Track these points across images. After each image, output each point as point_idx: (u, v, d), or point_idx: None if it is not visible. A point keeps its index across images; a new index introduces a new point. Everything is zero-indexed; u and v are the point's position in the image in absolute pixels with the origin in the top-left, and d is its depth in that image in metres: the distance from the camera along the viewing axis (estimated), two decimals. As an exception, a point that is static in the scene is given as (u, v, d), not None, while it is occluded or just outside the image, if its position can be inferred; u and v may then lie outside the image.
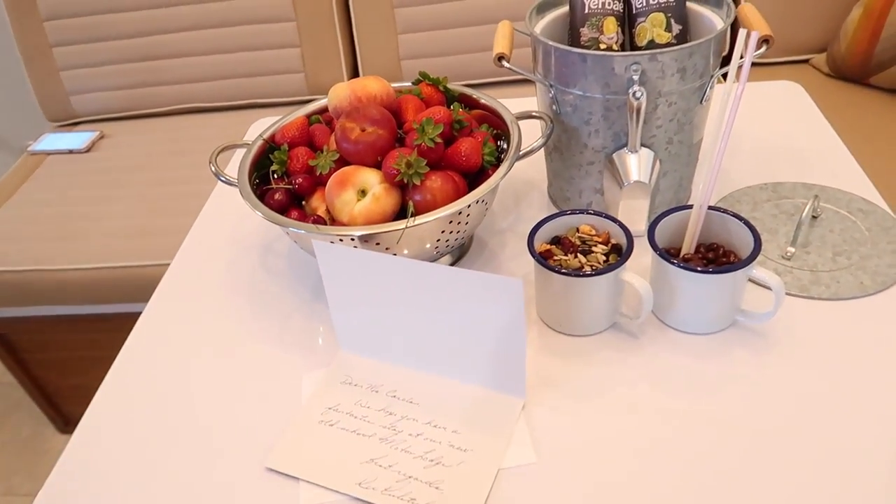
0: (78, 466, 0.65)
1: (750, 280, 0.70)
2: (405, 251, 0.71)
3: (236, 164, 0.94)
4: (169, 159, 1.68)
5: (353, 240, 0.68)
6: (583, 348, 0.69)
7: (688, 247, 0.70)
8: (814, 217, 0.79)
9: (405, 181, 0.70)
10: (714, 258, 0.69)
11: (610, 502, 0.57)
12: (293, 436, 0.65)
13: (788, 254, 0.75)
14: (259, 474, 0.62)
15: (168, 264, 0.87)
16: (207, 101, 1.81)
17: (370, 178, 0.72)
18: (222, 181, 0.79)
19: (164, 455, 0.65)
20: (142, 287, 1.37)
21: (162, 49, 1.75)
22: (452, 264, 0.81)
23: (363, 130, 0.73)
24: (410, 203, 0.69)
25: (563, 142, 0.79)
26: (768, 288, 0.72)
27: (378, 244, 0.69)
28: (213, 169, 0.79)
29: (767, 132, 0.95)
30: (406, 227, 0.66)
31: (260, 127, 1.13)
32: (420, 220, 0.67)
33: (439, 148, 0.73)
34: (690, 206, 0.69)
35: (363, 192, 0.72)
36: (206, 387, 0.71)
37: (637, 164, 0.74)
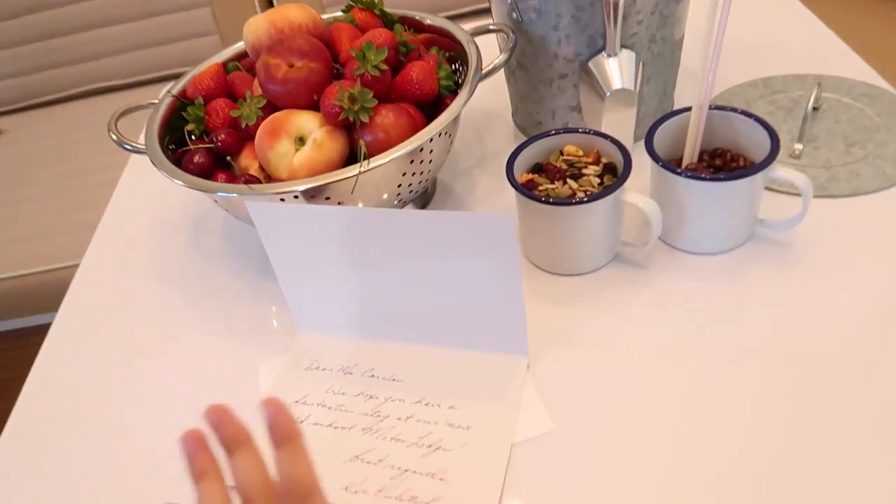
0: (-6, 519, 0.53)
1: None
2: (359, 204, 0.59)
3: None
4: (78, 149, 1.50)
5: (296, 197, 0.56)
6: (583, 289, 0.59)
7: (690, 155, 0.60)
8: (814, 109, 0.70)
9: (351, 120, 0.58)
10: (722, 164, 0.59)
11: (644, 461, 0.47)
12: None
13: (797, 151, 0.66)
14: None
15: (76, 265, 0.74)
16: (113, 79, 1.62)
17: (307, 121, 0.59)
18: (127, 149, 0.65)
19: (99, 488, 0.53)
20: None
21: (54, 26, 1.55)
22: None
23: (291, 66, 0.60)
24: (362, 143, 0.57)
25: (527, 56, 0.68)
26: (789, 191, 0.63)
27: (328, 199, 0.57)
28: (113, 137, 0.65)
29: (749, 26, 0.85)
30: (360, 173, 0.54)
31: (172, 91, 0.98)
32: (375, 162, 0.55)
33: (386, 76, 0.61)
34: (688, 109, 0.59)
35: (301, 140, 0.59)
36: (143, 398, 0.59)
37: (619, 69, 0.63)
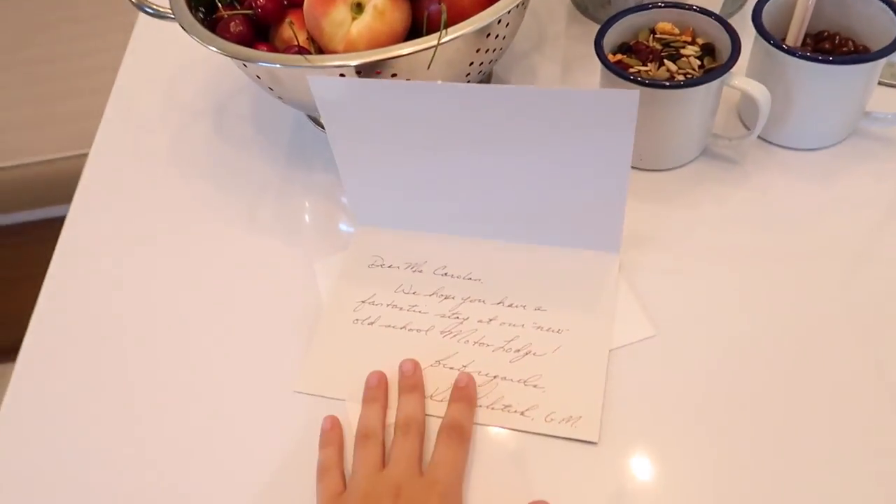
0: (28, 402, 0.48)
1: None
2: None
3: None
4: (54, 32, 1.36)
5: (359, 72, 0.49)
6: (673, 185, 0.54)
7: (795, 36, 0.53)
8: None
9: (419, -17, 0.50)
10: (831, 48, 0.53)
11: (748, 364, 0.44)
12: (323, 345, 0.48)
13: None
14: (284, 403, 0.46)
15: (84, 154, 0.65)
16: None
17: (366, -16, 0.51)
18: (148, 12, 0.56)
19: (142, 393, 0.48)
20: (52, 186, 1.12)
21: None
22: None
23: (345, -82, 0.51)
24: (442, 6, 0.49)
25: (606, -82, 0.59)
26: (890, 83, 0.57)
27: (394, 75, 0.50)
28: (134, 0, 0.56)
29: None
30: (439, 44, 0.47)
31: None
32: (453, 33, 0.48)
33: (455, -66, 0.52)
34: (797, -17, 0.52)
35: (359, 7, 0.51)
36: (187, 299, 0.53)
37: (714, -64, 0.56)
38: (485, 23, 0.48)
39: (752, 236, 0.50)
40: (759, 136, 0.55)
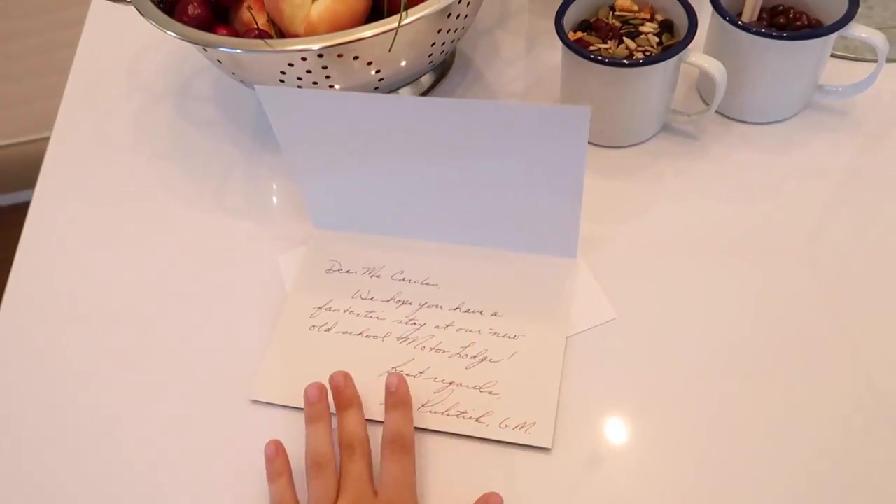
0: None
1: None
2: (380, 69, 0.52)
3: None
4: (2, 8, 1.32)
5: (320, 56, 0.49)
6: (633, 161, 0.55)
7: (750, 11, 0.54)
8: (864, -35, 0.65)
9: (379, -37, 0.50)
10: (786, 23, 0.54)
11: (709, 343, 0.46)
12: (279, 352, 0.48)
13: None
14: (240, 411, 0.46)
15: (44, 138, 0.64)
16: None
17: (325, -36, 0.51)
18: (105, -2, 0.55)
19: (98, 391, 0.48)
20: (10, 173, 1.10)
21: None
22: (435, 84, 0.63)
23: None
24: (401, -12, 0.49)
25: None
26: (843, 55, 0.59)
27: (356, 58, 0.50)
28: (85, -19, 0.55)
29: None
30: (400, 26, 0.47)
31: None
32: (414, 14, 0.48)
33: (414, -89, 0.52)
34: (753, -42, 0.53)
35: (319, -13, 0.51)
36: (147, 289, 0.53)
37: (672, -89, 0.56)
38: (446, 3, 0.48)
39: (713, 208, 0.52)
40: (717, 111, 0.57)
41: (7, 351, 0.51)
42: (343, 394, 0.44)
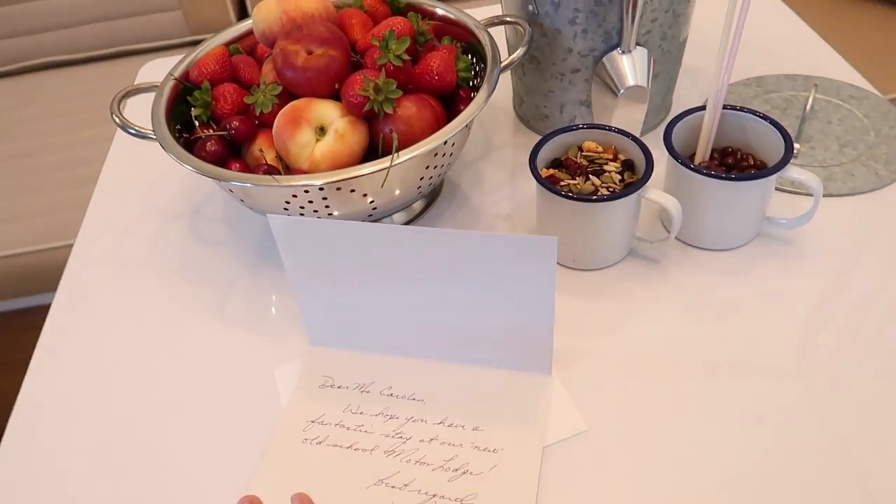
0: (5, 522, 0.50)
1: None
2: (374, 200, 0.58)
3: (139, 115, 0.75)
4: (30, 126, 1.42)
5: (321, 189, 0.55)
6: (602, 283, 0.60)
7: (702, 153, 0.62)
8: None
9: (375, 110, 0.57)
10: (734, 163, 0.61)
11: (673, 457, 0.49)
12: (273, 464, 0.51)
13: (795, 152, 0.69)
14: None
15: (62, 247, 0.70)
16: (64, 53, 1.54)
17: (328, 111, 0.58)
18: (132, 134, 0.62)
19: (102, 480, 0.51)
20: (30, 278, 1.15)
21: (-2, -6, 1.46)
22: (425, 209, 0.69)
23: (310, 53, 0.59)
24: (395, 135, 0.56)
25: (540, 49, 0.68)
26: (790, 190, 0.66)
27: (353, 191, 0.56)
28: (117, 121, 0.62)
29: (730, 26, 0.88)
30: (392, 166, 0.54)
31: (152, 72, 0.94)
32: (406, 155, 0.55)
33: (407, 67, 0.60)
34: (702, 108, 0.61)
35: (322, 130, 0.58)
36: (152, 396, 0.57)
37: (632, 67, 0.65)
38: (432, 146, 0.55)
39: (675, 326, 0.57)
40: (677, 238, 0.63)
41: (17, 452, 0.54)
42: None
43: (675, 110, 0.76)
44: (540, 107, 0.73)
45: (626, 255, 0.62)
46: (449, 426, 0.52)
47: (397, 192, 0.59)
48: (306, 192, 0.55)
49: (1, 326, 1.20)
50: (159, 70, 0.94)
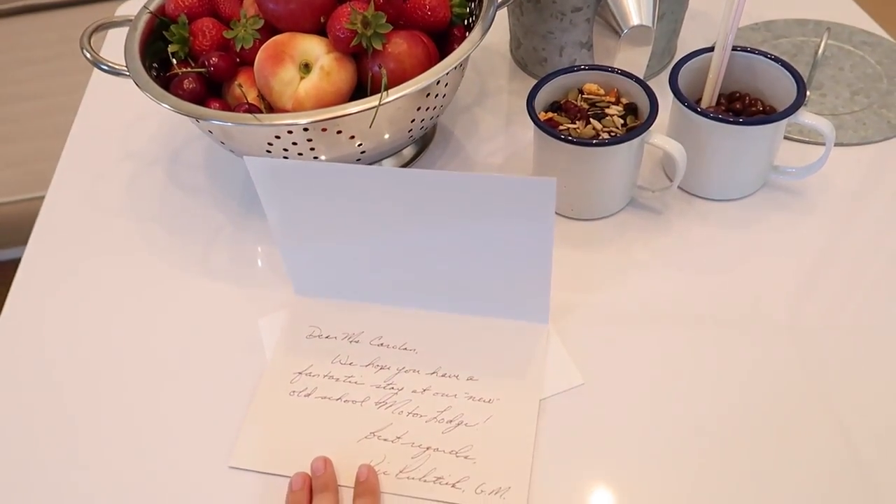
0: (-26, 476, 0.48)
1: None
2: (362, 143, 0.55)
3: (114, 51, 0.69)
4: (3, 73, 1.36)
5: (305, 129, 0.52)
6: (601, 234, 0.58)
7: (709, 97, 0.59)
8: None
9: (363, 46, 0.54)
10: (742, 108, 0.58)
11: (671, 410, 0.47)
12: (259, 418, 0.49)
13: (806, 98, 0.66)
14: (219, 478, 0.46)
15: (41, 197, 0.67)
16: (40, -3, 1.47)
17: (313, 46, 0.55)
18: (104, 69, 0.58)
19: (80, 452, 0.49)
20: (3, 230, 1.12)
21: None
22: (416, 156, 0.66)
23: (294, -17, 0.55)
24: (383, 71, 0.53)
25: (540, -14, 0.64)
26: (798, 138, 0.63)
27: (340, 132, 0.53)
28: (87, 55, 0.58)
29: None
30: (381, 104, 0.50)
31: (130, 9, 0.89)
32: (395, 93, 0.51)
33: (398, 1, 0.56)
34: (710, 49, 0.58)
35: (306, 67, 0.55)
36: (129, 349, 0.54)
37: (637, 5, 0.61)
38: (423, 84, 0.52)
39: (675, 279, 0.54)
40: (680, 188, 0.60)
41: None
42: (320, 479, 0.45)
43: (681, 55, 0.72)
44: (538, 49, 0.69)
45: (626, 205, 0.59)
46: (442, 376, 0.50)
47: (387, 135, 0.56)
48: (290, 132, 0.52)
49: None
50: (137, 7, 0.89)
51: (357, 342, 0.53)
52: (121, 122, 0.73)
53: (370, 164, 0.60)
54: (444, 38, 0.61)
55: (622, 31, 0.61)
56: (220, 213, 0.63)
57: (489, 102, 0.71)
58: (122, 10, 0.89)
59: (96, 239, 0.62)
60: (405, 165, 0.65)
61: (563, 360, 0.50)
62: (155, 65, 0.60)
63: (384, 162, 0.63)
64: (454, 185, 0.45)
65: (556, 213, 0.59)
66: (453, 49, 0.59)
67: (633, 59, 0.64)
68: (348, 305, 0.54)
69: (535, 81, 0.58)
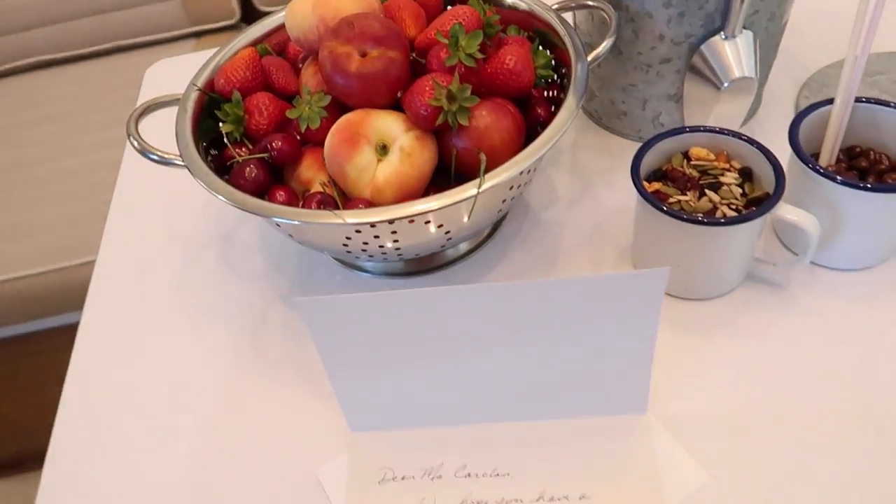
0: None
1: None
2: (450, 230, 0.48)
3: (152, 129, 0.61)
4: (24, 133, 1.32)
5: (390, 223, 0.46)
6: (715, 315, 0.51)
7: (829, 155, 0.52)
8: (923, 94, 0.64)
9: (448, 123, 0.48)
10: (868, 166, 0.52)
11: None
12: None
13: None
14: None
15: (65, 268, 0.61)
16: (56, 52, 1.42)
17: (391, 124, 0.49)
18: (155, 160, 0.52)
19: None
20: (34, 301, 1.06)
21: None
22: (493, 232, 0.59)
23: (364, 55, 0.49)
24: (482, 156, 0.47)
25: (624, 36, 0.58)
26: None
27: (428, 222, 0.47)
28: (135, 144, 0.52)
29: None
30: (479, 193, 0.44)
31: (157, 76, 0.83)
32: (494, 178, 0.45)
33: (480, 67, 0.50)
34: (829, 102, 0.51)
35: (384, 149, 0.49)
36: (178, 480, 0.48)
37: (737, 54, 0.55)
38: (524, 166, 0.46)
39: (805, 367, 0.48)
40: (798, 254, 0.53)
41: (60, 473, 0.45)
42: None
43: (767, 102, 0.67)
44: (617, 102, 0.63)
45: (742, 281, 0.53)
46: (550, 500, 0.43)
47: (475, 220, 0.49)
48: (373, 226, 0.46)
49: (39, 346, 1.10)
50: (166, 72, 0.84)
51: (440, 477, 0.45)
52: (163, 198, 0.67)
53: (452, 247, 0.53)
54: (524, 101, 0.55)
55: (722, 84, 0.55)
56: (278, 302, 0.57)
57: (564, 161, 0.65)
58: (151, 74, 0.84)
59: (145, 344, 0.56)
60: (482, 243, 0.58)
61: (680, 458, 0.44)
62: (205, 145, 0.54)
63: (460, 245, 0.57)
64: (546, 292, 0.39)
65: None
66: (537, 114, 0.53)
67: (730, 112, 0.58)
68: (419, 434, 0.47)
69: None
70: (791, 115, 0.65)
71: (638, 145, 0.51)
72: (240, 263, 0.61)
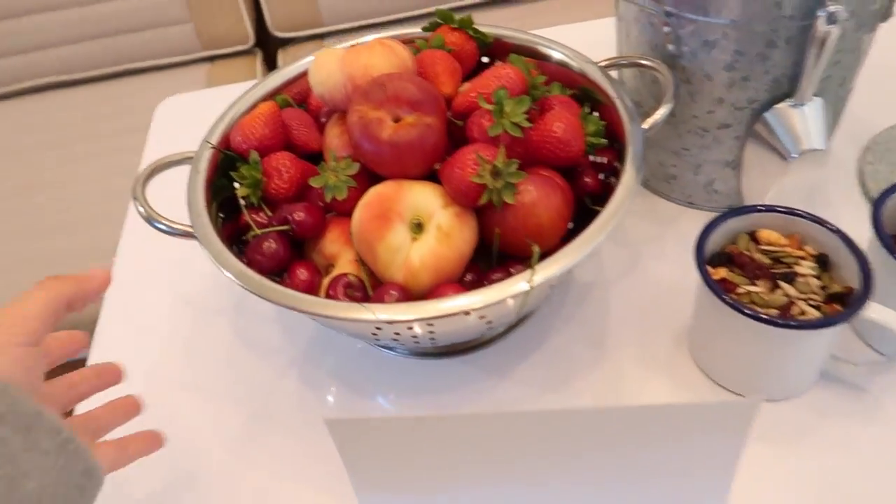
0: None
1: None
2: (492, 320, 0.43)
3: (163, 187, 0.54)
4: (33, 156, 1.27)
5: (429, 324, 0.40)
6: (790, 421, 0.46)
7: (912, 242, 0.47)
8: None
9: (493, 201, 0.42)
10: (957, 255, 0.46)
11: None
12: None
13: None
14: None
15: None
16: (65, 73, 1.38)
17: (426, 199, 0.44)
18: (162, 230, 0.47)
19: None
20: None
21: (-12, 9, 1.30)
22: (533, 311, 0.54)
23: (398, 121, 0.44)
24: (535, 248, 0.41)
25: (680, 97, 0.53)
26: None
27: (468, 313, 0.41)
28: (141, 211, 0.47)
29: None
30: (532, 288, 0.39)
31: (170, 110, 0.78)
32: (544, 271, 0.40)
33: (527, 136, 0.45)
34: (914, 182, 0.46)
35: (419, 227, 0.43)
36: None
37: (806, 123, 0.50)
38: (578, 258, 0.40)
39: (894, 486, 0.42)
40: (880, 352, 0.48)
41: None
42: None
43: (827, 170, 0.61)
44: (666, 165, 0.58)
45: (817, 380, 0.47)
46: None
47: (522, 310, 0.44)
48: (410, 328, 0.40)
49: None
50: (178, 109, 0.79)
51: None
52: (169, 260, 0.61)
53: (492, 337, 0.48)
54: (569, 169, 0.49)
55: (790, 154, 0.50)
56: (309, 389, 0.51)
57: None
58: (161, 111, 0.79)
59: (144, 426, 0.51)
60: (519, 323, 0.53)
61: None
62: (217, 205, 0.49)
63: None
64: (608, 421, 0.34)
65: (722, 386, 0.47)
66: (584, 183, 0.48)
67: (796, 185, 0.52)
68: None
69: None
70: (854, 183, 0.61)
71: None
72: (251, 333, 0.55)
